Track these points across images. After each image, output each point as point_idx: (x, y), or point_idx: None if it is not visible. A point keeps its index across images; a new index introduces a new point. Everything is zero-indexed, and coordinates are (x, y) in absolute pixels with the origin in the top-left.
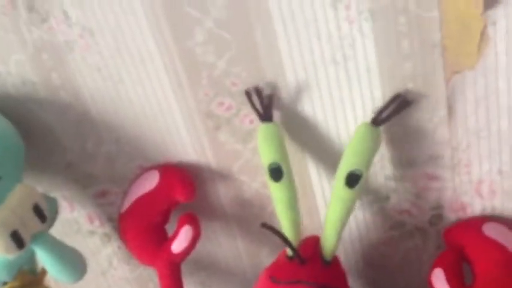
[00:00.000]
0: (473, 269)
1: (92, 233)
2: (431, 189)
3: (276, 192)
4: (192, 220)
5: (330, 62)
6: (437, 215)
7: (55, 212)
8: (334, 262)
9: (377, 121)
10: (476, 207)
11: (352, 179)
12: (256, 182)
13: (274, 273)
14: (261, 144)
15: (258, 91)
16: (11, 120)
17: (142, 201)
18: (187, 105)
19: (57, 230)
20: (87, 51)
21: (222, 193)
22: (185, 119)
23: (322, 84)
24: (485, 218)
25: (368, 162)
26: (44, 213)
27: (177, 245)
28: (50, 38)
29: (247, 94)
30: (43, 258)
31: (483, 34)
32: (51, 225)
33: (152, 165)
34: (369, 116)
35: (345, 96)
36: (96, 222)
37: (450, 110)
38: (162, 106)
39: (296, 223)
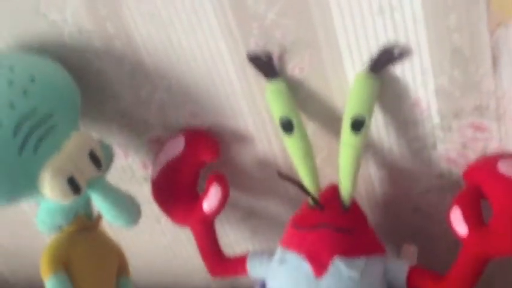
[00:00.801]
0: (491, 206)
1: (146, 179)
2: (477, 140)
3: (290, 145)
4: (221, 179)
5: (377, 12)
6: None
7: (110, 159)
8: (353, 207)
9: (373, 69)
10: None
11: (358, 124)
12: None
13: (297, 221)
14: (270, 101)
15: (260, 55)
16: (67, 69)
17: (172, 166)
18: (238, 53)
19: (112, 177)
20: None
21: (275, 145)
22: (236, 68)
23: (370, 34)
24: (501, 155)
25: (369, 107)
26: (99, 160)
27: (208, 204)
28: None
29: (250, 58)
30: (98, 204)
31: None
32: (106, 171)
33: (179, 131)
34: (412, 68)
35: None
36: (150, 169)
37: (494, 61)
38: (213, 54)
39: (313, 172)
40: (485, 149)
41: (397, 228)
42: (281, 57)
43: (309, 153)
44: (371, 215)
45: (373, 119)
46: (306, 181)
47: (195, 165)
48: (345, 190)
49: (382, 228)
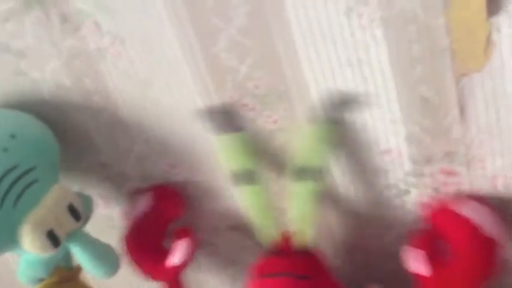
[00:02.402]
0: (450, 246)
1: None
2: (449, 184)
3: (251, 196)
4: (186, 233)
5: (346, 64)
6: None
7: (89, 210)
8: (311, 252)
9: (329, 117)
10: (492, 200)
11: (305, 172)
12: (279, 182)
13: (256, 269)
14: (232, 153)
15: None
16: (47, 124)
17: (140, 222)
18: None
19: (93, 226)
20: (117, 58)
21: None
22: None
23: (340, 86)
24: (462, 198)
25: (322, 155)
26: (78, 213)
27: (174, 259)
28: (83, 46)
29: (207, 111)
30: (78, 255)
31: (488, 39)
32: (85, 222)
33: (147, 187)
34: (383, 117)
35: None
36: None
37: (462, 109)
38: (189, 108)
39: (272, 221)
40: (457, 193)
41: (368, 272)
42: (253, 109)
43: (269, 204)
44: (339, 261)
45: (345, 168)
46: (266, 230)
47: (163, 221)
48: (300, 236)
49: (352, 271)
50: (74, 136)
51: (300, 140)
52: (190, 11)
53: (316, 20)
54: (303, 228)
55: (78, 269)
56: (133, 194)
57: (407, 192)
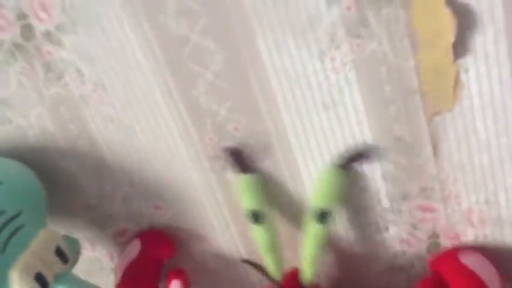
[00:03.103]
0: None
1: (114, 270)
2: (426, 220)
3: (260, 236)
4: (179, 274)
5: (321, 107)
6: (434, 243)
7: (77, 252)
8: None
9: (344, 165)
10: (469, 235)
11: (323, 216)
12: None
13: None
14: (243, 193)
15: (232, 150)
16: (33, 170)
17: (131, 269)
18: (195, 149)
19: (81, 269)
20: (100, 104)
21: (236, 238)
22: (193, 162)
23: (317, 129)
24: (462, 248)
25: (335, 199)
26: (65, 255)
27: None
28: (66, 93)
29: (226, 152)
30: None
31: (457, 80)
32: (73, 264)
33: (134, 233)
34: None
35: (338, 138)
36: (117, 260)
37: (435, 147)
38: (171, 150)
39: (279, 261)
40: (435, 228)
41: None
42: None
43: (275, 242)
44: None
45: None
46: (272, 269)
47: (154, 265)
48: (307, 276)
49: None
50: (60, 180)
51: (316, 183)
52: (168, 57)
53: (290, 64)
54: (310, 267)
55: None
56: (120, 237)
57: (385, 228)
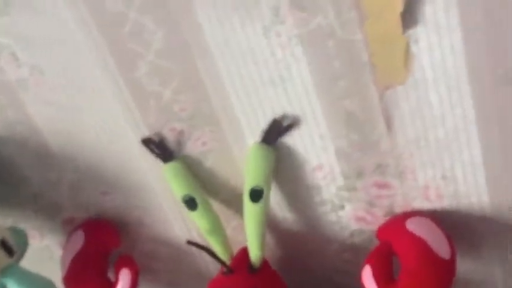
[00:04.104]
0: (399, 262)
1: None
2: (382, 197)
3: (197, 220)
4: (128, 262)
5: (269, 83)
6: None
7: (24, 244)
8: (263, 268)
9: (266, 141)
10: (426, 211)
11: (255, 195)
12: (217, 200)
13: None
14: (170, 182)
15: (153, 139)
16: None
17: (77, 261)
18: (140, 131)
19: (31, 259)
20: (38, 87)
21: (188, 221)
22: (140, 146)
23: (265, 105)
24: (409, 213)
25: (266, 177)
26: (11, 248)
27: None
28: (2, 77)
29: (144, 142)
30: None
31: (407, 52)
32: (21, 256)
33: (76, 226)
34: (311, 134)
35: (288, 115)
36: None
37: (388, 122)
38: (116, 133)
39: (224, 242)
40: (391, 205)
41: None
42: (182, 133)
43: (216, 225)
44: (288, 278)
45: (279, 188)
46: (218, 251)
47: (100, 256)
48: (254, 254)
49: None
50: (3, 169)
51: (244, 162)
52: (107, 38)
53: (235, 41)
54: (255, 246)
55: None
56: (69, 225)
57: (341, 207)
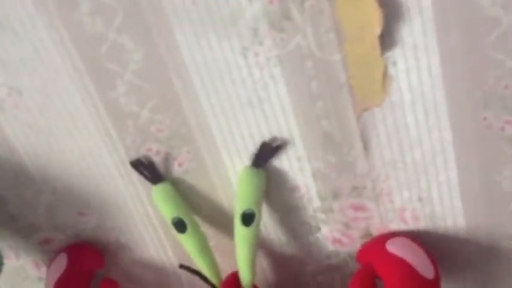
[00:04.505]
0: (383, 283)
1: (40, 279)
2: (359, 219)
3: (185, 243)
4: (110, 285)
5: (247, 104)
6: None
7: (0, 263)
8: None
9: (256, 164)
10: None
11: (247, 218)
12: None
13: None
14: (159, 204)
15: (142, 161)
16: None
17: (60, 283)
18: (117, 152)
19: (6, 279)
20: (16, 109)
21: (166, 243)
22: (116, 165)
23: (242, 127)
24: (389, 234)
25: (257, 200)
26: None
27: None
28: None
29: (133, 165)
30: None
31: (385, 74)
32: None
33: (60, 248)
34: (288, 155)
35: (265, 136)
36: (43, 269)
37: (365, 144)
38: (93, 155)
39: (212, 264)
40: (368, 227)
41: None
42: (159, 153)
43: (205, 247)
44: None
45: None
46: (207, 273)
47: (83, 277)
48: (245, 279)
49: None
50: None
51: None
52: (85, 57)
53: (212, 60)
54: (246, 270)
55: None
56: (45, 245)
57: (317, 228)
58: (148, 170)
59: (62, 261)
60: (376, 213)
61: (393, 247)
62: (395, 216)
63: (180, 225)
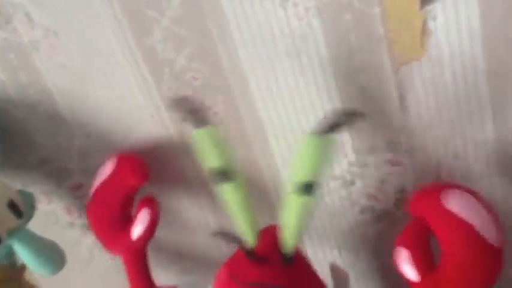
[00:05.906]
0: (439, 245)
1: (71, 224)
2: (393, 174)
3: (227, 194)
4: (150, 203)
5: (284, 56)
6: (402, 199)
7: (32, 207)
8: (297, 258)
9: (325, 131)
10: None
11: (308, 188)
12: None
13: (234, 271)
14: (202, 149)
15: (185, 101)
16: None
17: (102, 190)
18: (152, 99)
19: (37, 223)
20: (52, 51)
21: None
22: (151, 113)
23: (280, 77)
24: (443, 185)
25: (320, 171)
26: (19, 210)
27: (136, 230)
28: (15, 38)
29: (176, 103)
30: (21, 253)
31: (424, 28)
32: (28, 219)
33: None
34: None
35: (302, 87)
36: (75, 214)
37: (401, 99)
38: (128, 100)
39: (252, 219)
40: (403, 182)
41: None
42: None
43: (249, 202)
44: None
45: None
46: (245, 228)
47: (124, 189)
48: (289, 246)
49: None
50: (13, 131)
51: (297, 153)
52: (124, 2)
53: (252, 12)
54: (293, 238)
55: (22, 268)
56: (76, 191)
57: (352, 182)
58: (192, 111)
59: (108, 167)
60: (410, 167)
61: (451, 202)
62: (430, 173)
63: (226, 175)
